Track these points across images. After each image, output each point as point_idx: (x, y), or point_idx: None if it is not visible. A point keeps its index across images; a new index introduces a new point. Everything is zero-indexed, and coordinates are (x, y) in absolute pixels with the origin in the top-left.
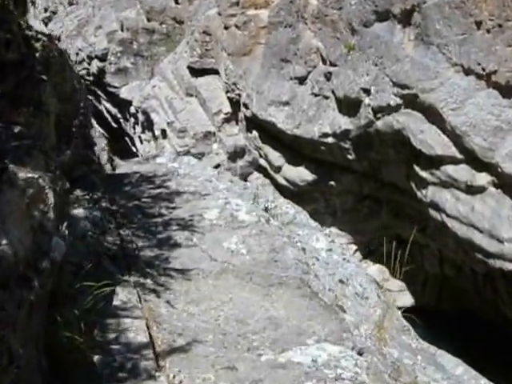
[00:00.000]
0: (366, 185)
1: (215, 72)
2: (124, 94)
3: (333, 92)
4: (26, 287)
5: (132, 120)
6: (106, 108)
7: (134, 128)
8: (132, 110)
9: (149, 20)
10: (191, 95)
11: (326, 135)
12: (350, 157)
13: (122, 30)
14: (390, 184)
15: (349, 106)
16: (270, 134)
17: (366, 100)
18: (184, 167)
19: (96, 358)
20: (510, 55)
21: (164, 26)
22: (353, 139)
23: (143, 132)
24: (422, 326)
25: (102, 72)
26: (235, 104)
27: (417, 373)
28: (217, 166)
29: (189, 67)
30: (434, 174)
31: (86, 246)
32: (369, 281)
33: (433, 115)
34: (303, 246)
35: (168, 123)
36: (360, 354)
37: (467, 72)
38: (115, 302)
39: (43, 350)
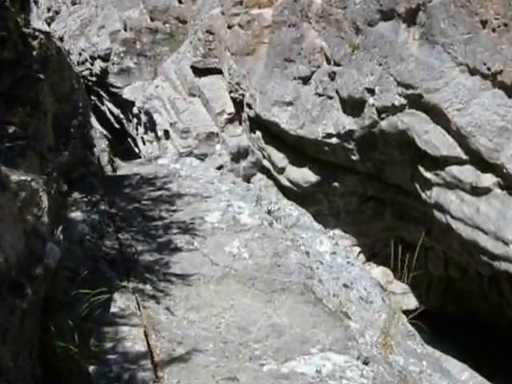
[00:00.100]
0: (369, 186)
1: (218, 72)
2: (127, 94)
3: (337, 92)
4: (19, 294)
5: (135, 121)
6: (108, 109)
7: (137, 129)
8: (135, 110)
9: (152, 19)
10: (194, 95)
11: (329, 136)
12: (353, 157)
13: (125, 30)
14: (395, 185)
15: (353, 106)
16: (273, 134)
17: (371, 100)
18: (186, 168)
19: (92, 368)
20: None
21: (167, 25)
22: (357, 140)
23: (146, 133)
24: (427, 329)
25: (104, 72)
26: (238, 104)
27: (423, 381)
28: (220, 167)
29: (192, 67)
30: (438, 175)
31: (84, 251)
32: (373, 284)
33: (437, 115)
34: (307, 249)
35: (171, 124)
36: (366, 363)
37: (472, 72)
38: (113, 309)
39: (37, 359)
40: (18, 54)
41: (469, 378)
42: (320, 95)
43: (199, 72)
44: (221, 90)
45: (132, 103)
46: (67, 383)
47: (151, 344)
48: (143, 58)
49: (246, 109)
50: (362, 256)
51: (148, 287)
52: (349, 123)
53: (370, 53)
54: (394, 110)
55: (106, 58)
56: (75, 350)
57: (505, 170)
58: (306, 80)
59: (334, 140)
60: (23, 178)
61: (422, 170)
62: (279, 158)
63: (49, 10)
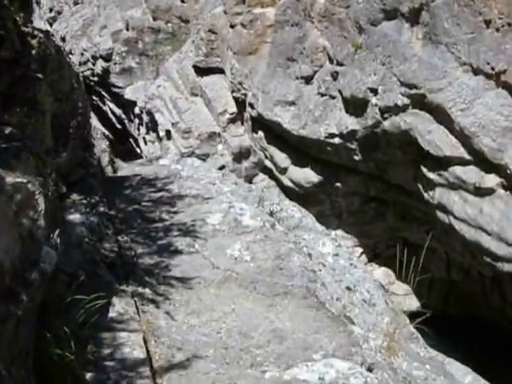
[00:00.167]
0: (372, 186)
1: (221, 71)
2: (128, 94)
3: (339, 92)
4: (13, 301)
5: (136, 121)
6: (110, 109)
7: (139, 129)
8: (136, 110)
9: (154, 19)
10: (196, 95)
11: (332, 136)
12: (356, 158)
13: (128, 30)
14: (397, 185)
15: (356, 106)
16: (275, 134)
17: (373, 100)
18: (187, 169)
19: (89, 375)
20: None
21: (170, 24)
22: (359, 140)
23: (147, 133)
24: (430, 331)
25: (106, 72)
26: (241, 104)
27: None
28: (221, 168)
29: (194, 66)
30: (441, 176)
31: (82, 254)
32: (376, 287)
33: (441, 115)
34: (309, 251)
35: (172, 124)
36: (370, 370)
37: (476, 72)
38: (111, 314)
39: (32, 367)
40: (16, 53)
41: (472, 381)
42: (322, 95)
43: (201, 71)
44: (223, 89)
45: (134, 103)
46: None
47: (150, 350)
48: (145, 58)
49: (248, 108)
50: (364, 257)
51: (147, 291)
52: (351, 123)
53: (373, 52)
54: (396, 109)
55: (107, 58)
56: (72, 358)
57: (508, 171)
58: (308, 80)
59: (337, 140)
60: (19, 180)
61: (424, 170)
62: (281, 158)
63: (51, 10)
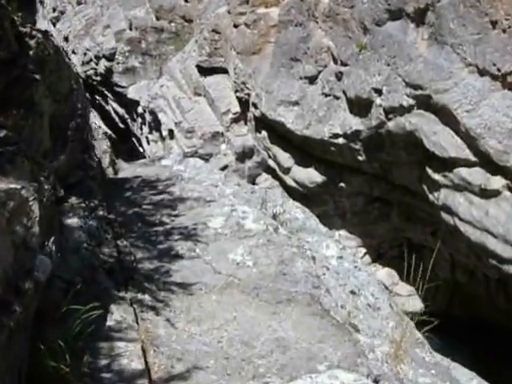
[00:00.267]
0: (376, 187)
1: (224, 71)
2: (131, 93)
3: (344, 92)
4: (6, 311)
5: (139, 120)
6: (113, 108)
7: (142, 128)
8: (139, 110)
9: (158, 19)
10: (199, 95)
11: (336, 136)
12: (360, 158)
13: (131, 29)
14: (401, 186)
15: (360, 107)
16: (279, 134)
17: (378, 100)
18: (189, 170)
19: None
20: None
21: (173, 24)
22: (363, 140)
23: (150, 132)
24: (434, 333)
25: (109, 72)
26: (244, 104)
27: None
28: (224, 167)
29: (197, 66)
30: (446, 177)
31: (80, 260)
32: (381, 290)
33: (446, 116)
34: (313, 254)
35: (176, 123)
36: (376, 381)
37: (482, 72)
38: (109, 323)
39: (27, 378)
40: (13, 53)
41: None
42: (326, 95)
43: (205, 71)
44: (226, 89)
45: (137, 103)
46: None
47: (149, 361)
48: (148, 58)
49: (251, 108)
50: (367, 257)
51: (147, 297)
52: (355, 123)
53: (378, 53)
54: (401, 110)
55: (110, 58)
56: (66, 370)
57: None
58: (312, 80)
59: (341, 140)
60: (12, 186)
61: (429, 171)
62: (285, 158)
63: (54, 10)
